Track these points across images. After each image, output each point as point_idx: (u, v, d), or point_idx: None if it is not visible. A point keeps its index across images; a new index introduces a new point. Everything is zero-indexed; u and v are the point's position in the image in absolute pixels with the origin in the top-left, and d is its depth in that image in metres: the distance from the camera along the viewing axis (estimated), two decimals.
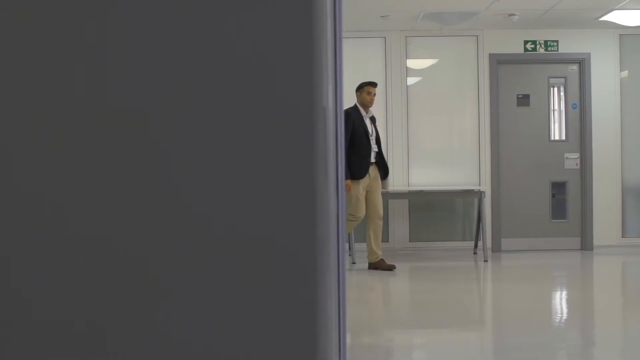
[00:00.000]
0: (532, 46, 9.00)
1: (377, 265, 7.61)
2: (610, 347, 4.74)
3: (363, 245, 8.82)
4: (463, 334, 5.16)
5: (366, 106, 7.59)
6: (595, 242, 8.97)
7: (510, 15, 8.18)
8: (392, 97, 9.02)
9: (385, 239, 9.00)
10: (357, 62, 8.99)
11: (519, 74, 9.02)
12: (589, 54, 8.98)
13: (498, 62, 8.98)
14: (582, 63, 9.01)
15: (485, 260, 8.18)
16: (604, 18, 8.33)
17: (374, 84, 7.68)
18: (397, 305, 6.32)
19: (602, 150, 9.00)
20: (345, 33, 8.39)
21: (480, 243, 8.49)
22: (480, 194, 8.44)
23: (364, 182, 7.49)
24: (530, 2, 7.73)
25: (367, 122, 7.59)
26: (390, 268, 7.53)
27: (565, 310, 6.09)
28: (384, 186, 7.71)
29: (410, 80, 9.07)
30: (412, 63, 9.07)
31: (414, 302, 6.42)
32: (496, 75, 8.97)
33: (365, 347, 4.76)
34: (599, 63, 9.00)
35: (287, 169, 0.49)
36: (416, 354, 4.69)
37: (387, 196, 8.77)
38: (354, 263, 8.13)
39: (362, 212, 7.54)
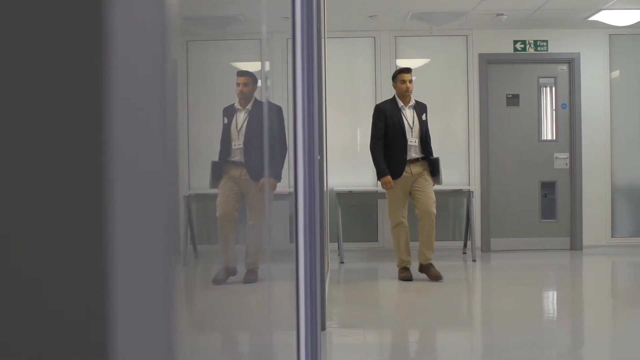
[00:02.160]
0: (522, 46, 9.00)
1: (424, 270, 6.82)
2: (599, 346, 4.74)
3: (352, 245, 8.83)
4: (450, 333, 5.15)
5: (403, 96, 6.85)
6: (585, 242, 8.97)
7: (498, 15, 8.19)
8: (381, 97, 9.01)
9: (375, 238, 9.01)
10: (347, 61, 8.99)
11: (509, 74, 9.02)
12: (578, 54, 8.99)
13: (488, 62, 8.98)
14: (571, 63, 9.01)
15: (474, 260, 8.18)
16: (593, 18, 8.33)
17: (406, 70, 6.93)
18: (384, 305, 6.31)
19: (592, 150, 9.01)
20: (334, 33, 8.40)
21: (469, 243, 8.49)
22: (469, 194, 8.44)
23: (403, 183, 6.75)
24: (518, 2, 7.73)
25: (407, 113, 6.83)
26: (437, 277, 6.69)
27: (554, 310, 6.09)
28: (435, 182, 6.85)
29: None
30: (402, 63, 9.06)
31: (402, 301, 6.42)
32: (486, 75, 8.97)
33: (353, 346, 4.75)
34: (588, 63, 9.00)
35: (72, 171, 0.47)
36: (404, 354, 4.69)
37: (377, 196, 8.77)
38: (342, 262, 8.12)
39: (398, 217, 6.79)
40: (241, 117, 1.42)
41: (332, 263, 7.97)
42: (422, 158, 6.81)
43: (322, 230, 4.54)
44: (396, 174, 6.72)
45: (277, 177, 1.84)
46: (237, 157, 1.40)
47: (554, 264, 8.19)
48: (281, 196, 2.04)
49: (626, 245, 8.87)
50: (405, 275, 6.83)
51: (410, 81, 6.84)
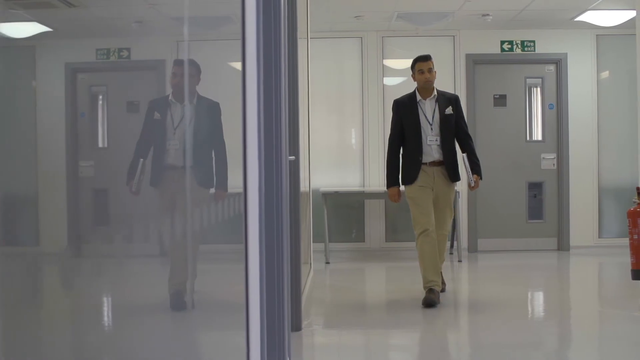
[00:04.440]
0: (509, 46, 9.00)
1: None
2: (586, 347, 4.74)
3: (339, 245, 8.83)
4: (437, 334, 5.14)
5: (424, 88, 5.88)
6: (572, 242, 8.98)
7: (484, 15, 8.19)
8: (368, 97, 9.01)
9: (362, 239, 9.01)
10: (334, 62, 8.99)
11: (496, 74, 9.03)
12: (565, 54, 8.99)
13: (475, 62, 8.98)
14: (558, 63, 9.02)
15: (460, 261, 8.18)
16: (579, 18, 8.34)
17: (423, 58, 5.92)
18: (368, 305, 6.30)
19: (579, 150, 9.01)
20: (321, 33, 8.41)
21: (456, 243, 8.49)
22: (456, 194, 8.41)
23: (423, 185, 5.81)
24: (503, 3, 7.73)
25: (427, 108, 5.84)
26: (442, 289, 6.07)
27: (541, 310, 6.09)
28: (469, 185, 6.08)
29: (387, 80, 9.06)
30: (389, 63, 9.07)
31: (387, 302, 6.40)
32: (473, 75, 8.97)
33: (330, 347, 4.74)
34: (575, 63, 9.00)
35: None
36: (391, 354, 4.68)
37: (364, 196, 8.77)
38: (327, 263, 8.11)
39: (422, 224, 5.75)
40: (177, 112, 1.30)
41: (317, 263, 7.96)
42: (444, 160, 5.85)
43: (295, 230, 4.53)
44: (409, 178, 5.83)
45: (224, 187, 1.75)
46: (174, 159, 1.28)
47: (541, 264, 8.20)
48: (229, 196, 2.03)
49: (613, 245, 8.86)
50: (429, 298, 5.67)
51: (430, 70, 5.85)
